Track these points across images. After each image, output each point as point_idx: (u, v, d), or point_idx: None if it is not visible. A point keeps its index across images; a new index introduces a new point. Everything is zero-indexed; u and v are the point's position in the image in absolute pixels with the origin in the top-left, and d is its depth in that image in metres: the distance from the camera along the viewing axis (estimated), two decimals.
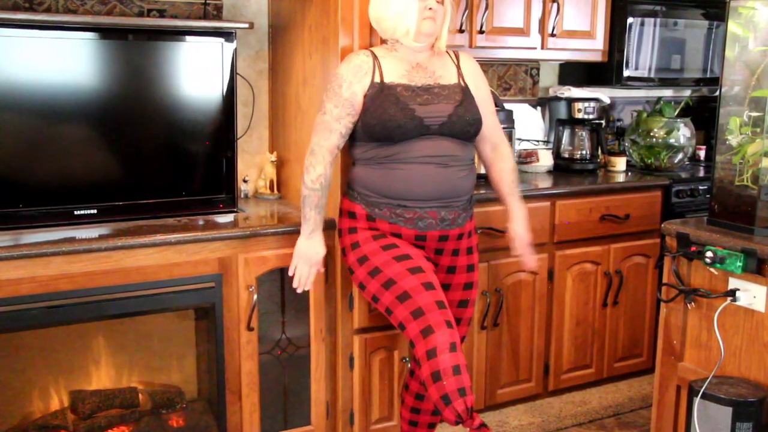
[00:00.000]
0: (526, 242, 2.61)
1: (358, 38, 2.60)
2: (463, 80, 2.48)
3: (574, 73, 3.87)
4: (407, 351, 2.81)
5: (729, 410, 2.16)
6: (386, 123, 2.30)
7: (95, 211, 2.61)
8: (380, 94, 2.34)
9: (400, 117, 2.30)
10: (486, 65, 3.70)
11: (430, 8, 2.34)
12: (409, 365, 2.72)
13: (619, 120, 4.10)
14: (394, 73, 2.38)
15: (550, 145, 3.76)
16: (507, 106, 3.52)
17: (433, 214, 2.37)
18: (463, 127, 2.39)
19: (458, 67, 2.50)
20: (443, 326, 2.21)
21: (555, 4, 3.32)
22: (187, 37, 2.70)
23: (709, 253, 2.31)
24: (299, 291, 2.52)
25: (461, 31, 3.12)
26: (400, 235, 2.39)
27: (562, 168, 3.64)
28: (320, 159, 2.39)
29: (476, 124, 2.43)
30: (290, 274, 2.51)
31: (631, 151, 3.77)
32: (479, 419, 2.20)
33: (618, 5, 3.56)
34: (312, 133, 2.41)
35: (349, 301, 2.75)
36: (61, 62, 2.52)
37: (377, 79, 2.36)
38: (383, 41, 2.49)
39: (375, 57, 2.40)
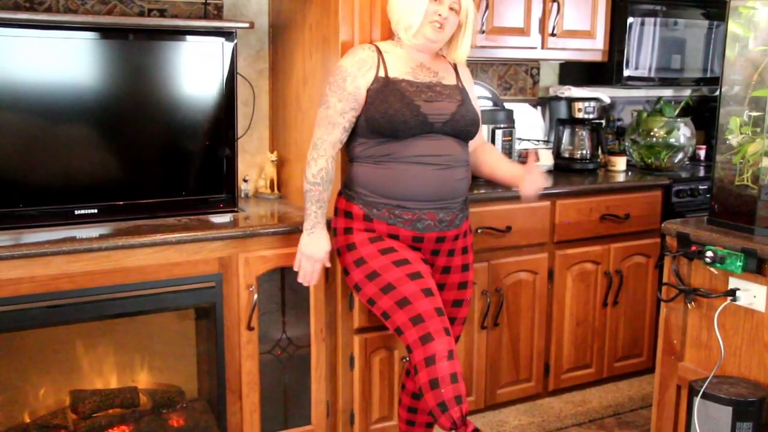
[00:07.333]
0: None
1: (358, 38, 2.60)
2: (461, 83, 2.49)
3: (574, 72, 3.87)
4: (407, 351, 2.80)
5: (729, 410, 2.16)
6: (392, 118, 2.29)
7: (95, 211, 2.61)
8: (385, 88, 2.33)
9: (406, 113, 2.29)
10: (486, 65, 3.70)
11: (439, 14, 2.33)
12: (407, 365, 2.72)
13: (619, 120, 4.10)
14: (399, 69, 2.38)
15: (551, 145, 3.76)
16: (507, 105, 3.53)
17: (431, 215, 2.37)
18: (465, 126, 2.40)
19: (456, 70, 2.51)
20: (442, 334, 2.23)
21: (555, 4, 3.31)
22: (188, 37, 2.69)
23: (709, 253, 2.31)
24: (306, 285, 2.50)
25: None
26: (397, 236, 2.38)
27: (563, 168, 3.64)
28: (322, 153, 2.36)
29: (476, 125, 2.46)
30: (295, 269, 2.48)
31: (631, 150, 3.77)
32: (472, 425, 2.25)
33: (618, 5, 3.55)
34: (315, 128, 2.39)
35: (349, 301, 2.75)
36: (61, 62, 2.52)
37: (381, 73, 2.35)
38: (390, 36, 2.49)
39: (379, 51, 2.39)
